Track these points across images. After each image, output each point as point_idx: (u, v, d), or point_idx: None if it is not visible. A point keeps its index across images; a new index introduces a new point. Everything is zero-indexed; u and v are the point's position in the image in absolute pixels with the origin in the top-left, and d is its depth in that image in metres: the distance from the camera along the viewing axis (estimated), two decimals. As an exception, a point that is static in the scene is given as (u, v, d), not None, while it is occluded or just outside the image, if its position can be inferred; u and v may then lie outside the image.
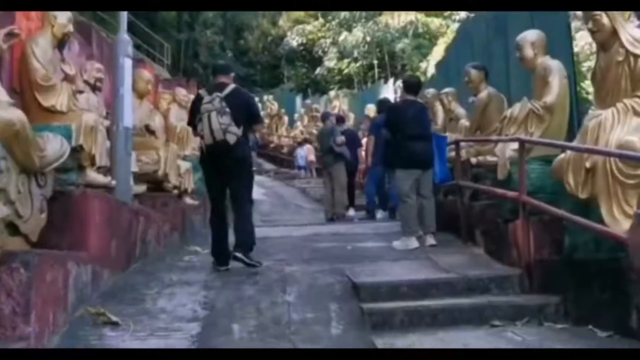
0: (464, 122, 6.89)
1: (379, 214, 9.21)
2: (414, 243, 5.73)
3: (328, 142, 9.19)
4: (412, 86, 6.16)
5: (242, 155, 4.93)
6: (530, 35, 5.09)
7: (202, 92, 5.04)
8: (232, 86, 4.94)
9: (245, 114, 4.88)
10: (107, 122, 5.51)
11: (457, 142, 5.99)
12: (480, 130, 6.31)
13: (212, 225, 5.15)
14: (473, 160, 6.18)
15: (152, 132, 6.92)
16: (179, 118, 8.84)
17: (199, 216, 7.89)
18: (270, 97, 25.12)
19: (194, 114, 4.90)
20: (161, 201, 6.41)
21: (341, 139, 9.14)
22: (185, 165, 7.52)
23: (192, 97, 10.18)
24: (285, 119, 23.44)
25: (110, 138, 5.23)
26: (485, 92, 6.26)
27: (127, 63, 5.37)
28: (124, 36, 5.41)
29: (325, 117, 9.94)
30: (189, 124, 5.33)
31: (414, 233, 5.77)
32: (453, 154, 6.03)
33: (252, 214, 5.25)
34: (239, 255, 4.88)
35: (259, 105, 25.08)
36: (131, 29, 18.51)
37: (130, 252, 5.01)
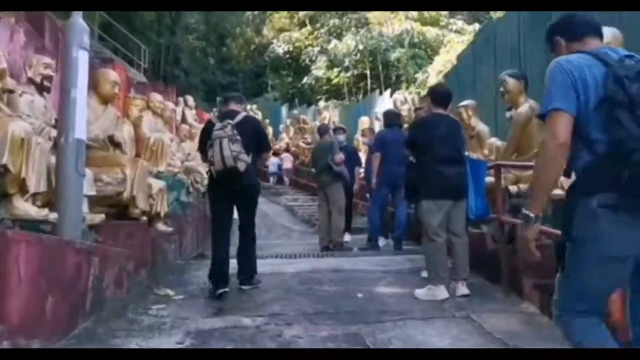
0: (495, 142, 5.78)
1: (381, 241, 8.05)
2: (443, 293, 4.56)
3: (325, 160, 7.99)
4: (442, 97, 5.00)
5: (252, 183, 5.05)
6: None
7: (213, 118, 5.20)
8: (243, 114, 5.11)
9: (255, 141, 5.00)
10: (54, 133, 4.30)
11: (497, 167, 4.83)
12: (518, 152, 5.20)
13: (215, 250, 5.03)
14: (512, 188, 5.06)
15: (117, 145, 5.66)
16: (152, 128, 7.62)
17: (173, 245, 6.63)
18: (254, 106, 23.96)
19: (205, 140, 4.93)
20: (126, 231, 5.13)
21: (340, 156, 7.96)
22: (158, 184, 6.26)
23: (169, 104, 9.02)
24: (270, 130, 22.25)
25: (57, 154, 3.99)
26: (525, 105, 5.15)
27: (82, 56, 4.12)
28: (79, 21, 4.15)
29: (323, 130, 8.71)
30: (199, 150, 5.34)
31: (443, 280, 4.60)
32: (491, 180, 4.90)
33: (255, 237, 5.38)
34: (246, 287, 5.04)
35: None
36: (109, 31, 17.49)
37: (77, 308, 3.74)
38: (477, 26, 21.09)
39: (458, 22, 23.50)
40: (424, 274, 5.44)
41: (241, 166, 4.71)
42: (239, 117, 4.94)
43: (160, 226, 6.34)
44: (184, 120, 11.96)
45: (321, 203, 8.28)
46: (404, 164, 7.74)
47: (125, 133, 6.36)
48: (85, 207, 4.51)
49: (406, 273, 5.90)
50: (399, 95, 13.53)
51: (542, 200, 2.11)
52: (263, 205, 14.56)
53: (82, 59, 4.11)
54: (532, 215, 2.08)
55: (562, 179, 2.43)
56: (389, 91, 16.12)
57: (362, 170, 9.81)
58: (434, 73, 16.19)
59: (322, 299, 4.70)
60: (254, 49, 32.37)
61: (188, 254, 7.43)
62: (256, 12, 32.10)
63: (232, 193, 4.92)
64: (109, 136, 5.60)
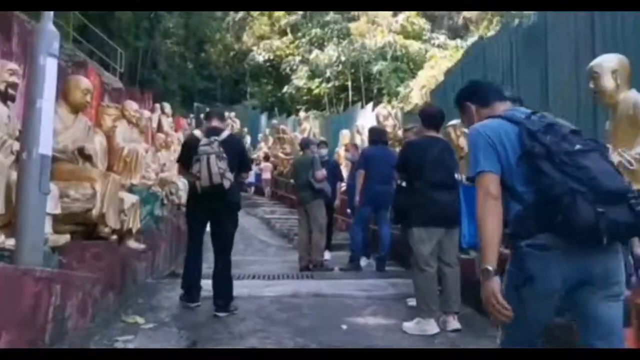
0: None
1: (363, 261, 7.78)
2: (433, 327, 4.29)
3: (306, 176, 7.69)
4: (434, 118, 4.76)
5: (235, 201, 5.10)
6: (610, 61, 3.79)
7: (197, 134, 5.15)
8: (227, 132, 5.18)
9: (237, 160, 5.00)
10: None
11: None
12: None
13: (189, 263, 5.13)
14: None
15: (87, 158, 5.28)
16: (127, 138, 7.23)
17: (144, 263, 6.24)
18: (232, 114, 23.55)
19: (188, 153, 4.91)
20: (93, 252, 4.75)
21: (322, 173, 7.66)
22: (130, 199, 5.88)
23: (145, 112, 8.62)
24: (248, 138, 21.89)
25: (19, 170, 3.63)
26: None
27: (51, 64, 3.76)
28: (48, 26, 3.80)
29: (305, 144, 8.40)
30: (179, 161, 5.34)
31: (433, 313, 4.34)
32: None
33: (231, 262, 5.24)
34: (222, 314, 4.81)
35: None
36: (84, 33, 16.97)
37: (36, 343, 3.37)
38: (459, 41, 21.10)
39: (440, 37, 23.44)
40: (411, 301, 5.20)
41: (226, 184, 4.73)
42: (224, 135, 4.99)
43: (132, 243, 5.95)
44: (159, 128, 11.57)
45: (301, 220, 7.97)
46: (389, 183, 7.56)
47: (96, 144, 5.99)
48: (48, 227, 4.14)
49: (390, 299, 5.64)
50: (381, 109, 13.28)
51: (494, 252, 2.15)
52: (240, 217, 14.19)
53: (50, 67, 3.75)
54: (490, 268, 2.12)
55: None
56: (371, 104, 15.87)
57: (343, 185, 9.55)
58: (417, 87, 15.98)
59: (303, 331, 4.39)
60: (233, 56, 32.00)
61: (160, 271, 7.05)
62: (237, 18, 31.86)
63: (214, 210, 4.93)
64: (79, 148, 5.22)
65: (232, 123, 22.70)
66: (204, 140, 4.83)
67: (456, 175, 4.64)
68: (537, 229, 2.08)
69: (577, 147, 2.11)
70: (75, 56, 10.28)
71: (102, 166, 5.89)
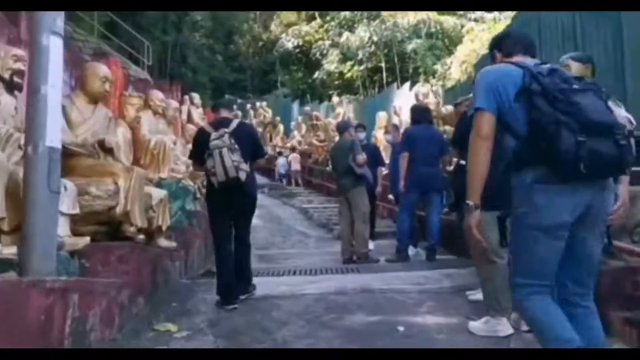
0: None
1: (411, 250, 7.21)
2: (505, 327, 3.71)
3: (346, 161, 7.12)
4: None
5: (252, 192, 5.04)
6: None
7: (207, 127, 5.05)
8: (236, 121, 5.08)
9: (251, 148, 4.90)
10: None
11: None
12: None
13: (221, 265, 4.87)
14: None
15: (108, 151, 4.85)
16: (153, 129, 6.83)
17: (177, 263, 5.82)
18: (264, 103, 23.16)
19: (200, 150, 4.82)
20: (118, 254, 4.31)
21: (363, 157, 7.09)
22: (158, 194, 5.45)
23: (172, 102, 8.20)
24: (281, 127, 21.46)
25: (24, 166, 3.20)
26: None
27: (55, 43, 3.30)
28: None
29: (342, 128, 7.81)
30: (191, 157, 5.25)
31: (504, 311, 3.74)
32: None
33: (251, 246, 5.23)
34: (244, 297, 4.91)
35: (252, 112, 23.33)
36: (112, 29, 16.77)
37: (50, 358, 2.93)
38: (496, 14, 20.08)
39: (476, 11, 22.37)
40: (472, 295, 4.63)
41: (242, 176, 4.65)
42: (233, 125, 4.87)
43: (162, 242, 5.52)
44: (190, 119, 11.19)
45: (342, 209, 7.42)
46: (436, 164, 6.95)
47: (119, 136, 5.59)
48: (65, 229, 3.72)
49: (447, 293, 5.07)
50: (421, 87, 12.57)
51: (477, 190, 2.35)
52: (276, 207, 13.78)
53: (54, 48, 3.29)
54: (471, 203, 2.37)
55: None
56: (407, 84, 15.12)
57: (385, 169, 8.98)
58: (457, 63, 15.12)
59: (355, 335, 3.86)
60: (262, 46, 31.62)
61: (195, 270, 6.63)
62: (264, 8, 31.39)
63: (233, 203, 4.85)
64: (99, 141, 4.80)
65: (263, 113, 22.32)
66: (214, 134, 4.70)
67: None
68: (531, 160, 2.19)
69: (575, 86, 2.20)
70: (99, 49, 9.92)
71: (126, 160, 5.47)
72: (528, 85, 2.23)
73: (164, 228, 5.51)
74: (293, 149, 18.71)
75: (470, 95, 5.30)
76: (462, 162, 4.11)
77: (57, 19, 3.37)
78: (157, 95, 6.89)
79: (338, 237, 8.64)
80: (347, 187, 7.18)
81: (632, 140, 2.39)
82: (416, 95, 11.43)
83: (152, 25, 22.10)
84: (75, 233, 3.99)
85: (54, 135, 3.25)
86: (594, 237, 2.29)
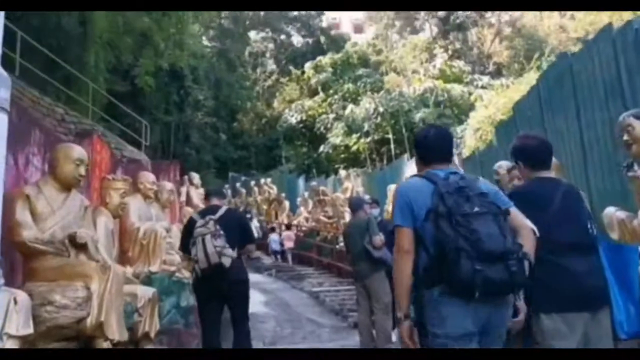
0: (616, 213, 4.06)
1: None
2: None
3: (361, 243, 6.29)
4: (539, 152, 3.28)
5: (239, 278, 4.83)
6: None
7: (194, 215, 5.05)
8: (224, 208, 5.00)
9: (239, 235, 4.82)
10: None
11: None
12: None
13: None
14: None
15: (80, 248, 4.06)
16: (144, 215, 6.08)
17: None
18: (268, 180, 22.57)
19: (187, 238, 4.78)
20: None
21: (380, 238, 6.26)
22: (145, 293, 4.62)
23: (166, 184, 7.40)
24: (286, 204, 20.72)
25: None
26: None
27: (-4, 120, 2.60)
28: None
29: (356, 205, 6.95)
30: (180, 248, 5.21)
31: None
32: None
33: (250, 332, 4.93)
34: None
35: (256, 189, 22.71)
36: (111, 112, 16.49)
37: None
38: (503, 80, 19.75)
39: (484, 78, 22.08)
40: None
41: (226, 262, 4.54)
42: (220, 212, 4.81)
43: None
44: (189, 201, 10.46)
45: (360, 299, 6.50)
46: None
47: (100, 228, 4.83)
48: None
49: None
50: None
51: (405, 302, 2.51)
52: (284, 292, 12.76)
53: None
54: (400, 315, 2.53)
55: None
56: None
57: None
58: (471, 131, 14.52)
59: None
60: (265, 122, 31.67)
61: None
62: (266, 86, 31.69)
63: (220, 291, 4.70)
64: (69, 236, 4.02)
65: (268, 189, 21.73)
66: (199, 222, 4.67)
67: (589, 229, 3.16)
68: (440, 279, 2.41)
69: (475, 209, 2.42)
70: (81, 128, 9.44)
71: (108, 254, 4.67)
72: (435, 207, 2.43)
73: (152, 335, 4.64)
74: (288, 227, 18.21)
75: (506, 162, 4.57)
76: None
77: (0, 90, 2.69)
78: (147, 178, 6.19)
79: (354, 325, 7.75)
80: (365, 273, 6.31)
81: (526, 263, 2.46)
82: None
83: (154, 106, 21.99)
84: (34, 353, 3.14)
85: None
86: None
